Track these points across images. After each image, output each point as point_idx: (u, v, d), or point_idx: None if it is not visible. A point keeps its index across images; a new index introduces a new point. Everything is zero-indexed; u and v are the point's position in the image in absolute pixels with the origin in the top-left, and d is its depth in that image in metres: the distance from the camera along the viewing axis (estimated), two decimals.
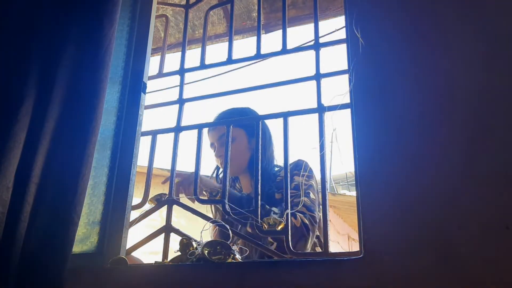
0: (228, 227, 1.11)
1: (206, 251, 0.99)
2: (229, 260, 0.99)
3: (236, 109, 1.68)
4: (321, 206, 1.48)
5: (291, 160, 1.63)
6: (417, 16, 1.05)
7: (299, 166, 1.51)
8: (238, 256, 1.01)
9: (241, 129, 1.63)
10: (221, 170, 1.67)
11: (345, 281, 0.87)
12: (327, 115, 1.14)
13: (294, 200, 1.38)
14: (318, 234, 1.47)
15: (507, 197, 0.84)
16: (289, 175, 1.15)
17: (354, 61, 1.06)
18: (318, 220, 1.39)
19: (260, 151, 1.21)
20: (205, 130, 1.59)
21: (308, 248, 1.35)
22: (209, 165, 1.74)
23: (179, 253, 1.08)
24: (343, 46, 1.16)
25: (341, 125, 1.13)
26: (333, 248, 1.03)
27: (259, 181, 1.17)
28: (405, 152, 0.94)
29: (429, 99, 0.97)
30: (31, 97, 0.91)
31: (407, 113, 0.97)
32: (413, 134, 0.95)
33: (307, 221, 1.33)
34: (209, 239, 1.44)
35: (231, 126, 1.30)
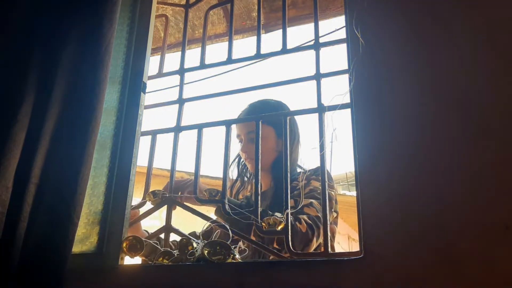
0: (228, 227, 1.11)
1: (206, 251, 0.98)
2: (229, 260, 0.99)
3: (268, 102, 1.63)
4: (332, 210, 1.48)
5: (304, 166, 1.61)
6: (417, 15, 1.05)
7: (318, 171, 1.48)
8: (238, 257, 1.01)
9: (271, 128, 1.58)
10: (242, 159, 1.65)
11: (344, 282, 0.87)
12: (327, 115, 1.14)
13: (304, 207, 1.34)
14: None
15: (506, 197, 0.84)
16: (289, 175, 1.15)
17: (354, 61, 1.05)
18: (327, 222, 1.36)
19: (259, 150, 1.20)
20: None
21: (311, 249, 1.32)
22: (209, 165, 1.73)
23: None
24: (344, 46, 1.16)
25: (341, 125, 1.12)
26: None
27: (259, 181, 1.17)
28: (405, 152, 0.94)
29: (430, 99, 0.96)
30: (31, 97, 0.90)
31: (408, 113, 0.97)
32: (413, 134, 0.95)
33: (311, 222, 1.30)
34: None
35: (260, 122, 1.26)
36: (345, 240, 6.84)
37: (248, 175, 1.69)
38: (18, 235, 0.85)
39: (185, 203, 1.29)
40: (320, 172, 1.47)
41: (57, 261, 0.90)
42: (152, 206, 1.30)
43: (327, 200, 1.05)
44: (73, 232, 0.93)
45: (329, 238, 1.01)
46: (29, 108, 0.90)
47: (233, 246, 1.04)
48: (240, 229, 1.16)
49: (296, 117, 1.66)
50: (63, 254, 0.91)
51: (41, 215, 0.89)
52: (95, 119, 0.97)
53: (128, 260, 1.16)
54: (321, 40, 1.26)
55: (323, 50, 1.24)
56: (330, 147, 1.23)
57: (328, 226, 1.02)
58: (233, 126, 1.64)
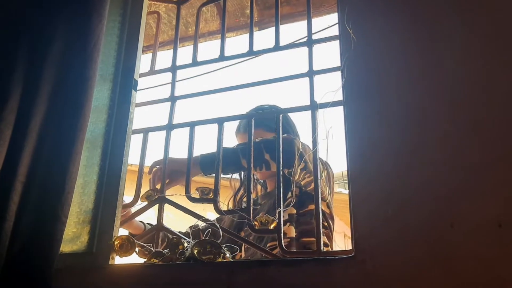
0: (219, 226, 1.10)
1: (196, 251, 0.97)
2: (219, 260, 0.98)
3: (262, 107, 1.64)
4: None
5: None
6: (410, 11, 1.04)
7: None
8: (228, 256, 1.00)
9: (271, 134, 1.57)
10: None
11: (335, 280, 0.86)
12: (320, 112, 1.13)
13: None
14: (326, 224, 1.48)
15: (500, 194, 0.83)
16: (281, 173, 1.14)
17: (346, 57, 1.04)
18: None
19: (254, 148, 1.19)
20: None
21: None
22: None
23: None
24: (337, 43, 1.14)
25: (338, 123, 1.12)
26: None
27: (252, 179, 1.16)
28: (396, 149, 0.93)
29: (421, 95, 0.96)
30: (17, 94, 0.89)
31: (399, 109, 0.96)
32: (405, 131, 0.94)
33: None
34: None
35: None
36: (341, 238, 6.84)
37: (256, 180, 1.71)
38: (4, 234, 0.84)
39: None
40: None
41: (45, 261, 0.89)
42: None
43: (319, 200, 1.04)
44: (61, 232, 0.92)
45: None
46: (15, 105, 0.88)
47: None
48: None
49: (295, 117, 1.67)
50: (51, 254, 0.89)
51: (28, 214, 0.88)
52: (83, 116, 0.96)
53: (119, 260, 1.15)
54: (314, 37, 1.25)
55: (317, 48, 1.23)
56: (325, 145, 1.22)
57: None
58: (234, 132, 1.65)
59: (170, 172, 1.34)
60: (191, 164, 1.28)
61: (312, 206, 1.46)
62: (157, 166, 1.40)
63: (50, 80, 0.95)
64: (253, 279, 0.91)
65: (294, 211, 1.47)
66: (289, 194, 1.43)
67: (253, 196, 1.65)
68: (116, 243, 1.12)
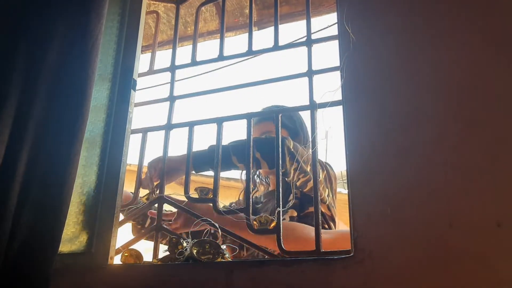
0: (218, 226, 1.09)
1: (195, 251, 0.97)
2: (218, 259, 0.98)
3: (281, 105, 1.65)
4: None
5: None
6: (409, 11, 1.04)
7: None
8: (227, 256, 1.00)
9: (284, 130, 1.59)
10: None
11: (335, 280, 0.86)
12: (320, 112, 1.13)
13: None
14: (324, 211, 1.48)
15: (498, 193, 0.83)
16: (281, 173, 1.14)
17: (345, 57, 1.04)
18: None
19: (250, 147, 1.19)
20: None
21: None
22: None
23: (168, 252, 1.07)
24: (337, 43, 1.14)
25: (337, 122, 1.11)
26: None
27: (250, 179, 1.16)
28: (396, 148, 0.93)
29: (420, 95, 0.96)
30: (15, 93, 0.89)
31: (398, 109, 0.96)
32: (404, 131, 0.94)
33: None
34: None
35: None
36: None
37: (260, 176, 1.71)
38: (3, 235, 0.83)
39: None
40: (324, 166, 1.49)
41: (44, 261, 0.88)
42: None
43: (319, 199, 1.03)
44: (60, 232, 0.91)
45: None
46: (13, 104, 0.88)
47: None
48: None
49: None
50: (50, 254, 0.89)
51: (26, 214, 0.88)
52: (82, 116, 0.96)
53: (117, 260, 1.15)
54: (314, 36, 1.25)
55: (317, 47, 1.23)
56: (324, 145, 1.23)
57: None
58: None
59: (165, 171, 1.34)
60: (181, 162, 1.28)
61: (312, 209, 1.46)
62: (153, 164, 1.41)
63: (48, 79, 0.95)
64: (252, 278, 0.91)
65: (295, 214, 1.46)
66: (291, 197, 1.43)
67: (256, 194, 1.66)
68: (126, 254, 1.12)
